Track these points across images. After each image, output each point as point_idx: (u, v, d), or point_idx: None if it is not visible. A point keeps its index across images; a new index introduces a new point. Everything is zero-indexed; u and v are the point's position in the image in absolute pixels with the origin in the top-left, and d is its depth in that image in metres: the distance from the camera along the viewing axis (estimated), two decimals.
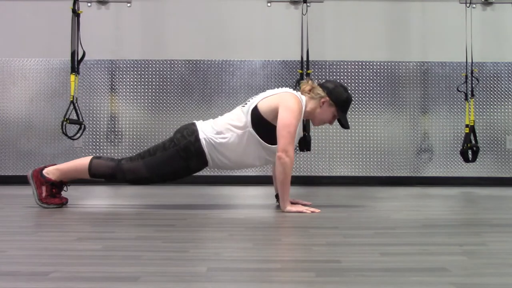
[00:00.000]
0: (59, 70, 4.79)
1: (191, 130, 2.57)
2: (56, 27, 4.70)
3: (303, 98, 2.62)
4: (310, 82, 2.69)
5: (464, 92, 4.54)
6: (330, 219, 2.28)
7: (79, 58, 4.21)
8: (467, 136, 4.41)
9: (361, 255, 1.46)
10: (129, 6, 4.90)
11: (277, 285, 1.12)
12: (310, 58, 4.49)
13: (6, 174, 4.74)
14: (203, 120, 2.67)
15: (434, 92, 4.86)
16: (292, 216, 2.34)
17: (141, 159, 2.57)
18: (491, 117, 4.84)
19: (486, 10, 4.94)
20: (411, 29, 4.94)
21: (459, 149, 4.55)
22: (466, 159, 4.43)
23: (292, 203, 2.58)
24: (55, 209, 2.55)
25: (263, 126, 2.52)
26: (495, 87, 4.86)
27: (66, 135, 4.12)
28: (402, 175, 4.81)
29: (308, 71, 4.42)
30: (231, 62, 4.86)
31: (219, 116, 2.67)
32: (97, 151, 4.78)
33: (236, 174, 4.68)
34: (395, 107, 4.86)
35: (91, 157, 2.63)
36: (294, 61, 4.73)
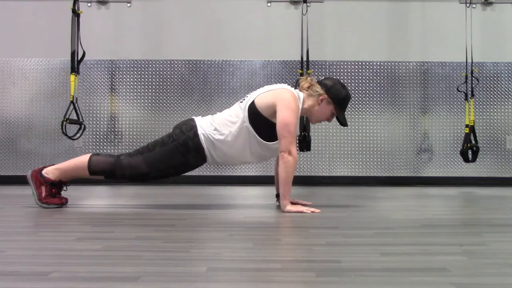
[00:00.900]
0: (59, 70, 4.79)
1: (190, 126, 2.58)
2: (56, 27, 4.70)
3: (301, 95, 2.62)
4: (309, 79, 2.70)
5: (464, 92, 4.54)
6: (330, 219, 2.28)
7: (79, 58, 4.21)
8: (467, 136, 4.41)
9: (361, 255, 1.46)
10: (129, 6, 4.90)
11: (277, 285, 1.12)
12: (310, 58, 4.49)
13: (6, 174, 4.74)
14: (202, 116, 2.68)
15: (434, 92, 4.86)
16: (292, 216, 2.33)
17: (140, 155, 2.58)
18: (491, 117, 4.84)
19: (486, 10, 4.94)
20: (411, 29, 4.94)
21: (459, 149, 4.55)
22: (466, 159, 4.43)
23: (292, 203, 2.58)
24: (55, 209, 2.55)
25: (260, 121, 2.53)
26: (495, 87, 4.86)
27: (66, 135, 4.12)
28: (402, 175, 4.81)
29: (308, 71, 4.42)
30: (231, 62, 4.86)
31: (218, 113, 2.68)
32: (97, 151, 4.78)
33: (236, 174, 4.68)
34: (395, 107, 4.86)
35: (89, 154, 2.63)
36: (294, 61, 4.72)
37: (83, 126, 4.24)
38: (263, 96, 2.57)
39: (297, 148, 4.13)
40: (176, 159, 2.56)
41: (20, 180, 4.46)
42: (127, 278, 1.16)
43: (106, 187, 4.30)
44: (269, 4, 4.93)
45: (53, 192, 2.59)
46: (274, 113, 2.51)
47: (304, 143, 4.20)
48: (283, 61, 4.84)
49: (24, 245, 1.65)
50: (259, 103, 2.54)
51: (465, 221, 2.36)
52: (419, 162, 4.83)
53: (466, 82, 4.53)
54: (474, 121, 4.46)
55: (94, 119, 4.80)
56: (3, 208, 2.79)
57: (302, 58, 4.49)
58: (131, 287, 1.09)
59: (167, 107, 4.82)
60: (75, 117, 4.18)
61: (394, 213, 2.58)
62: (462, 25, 4.58)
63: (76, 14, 4.20)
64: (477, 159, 4.46)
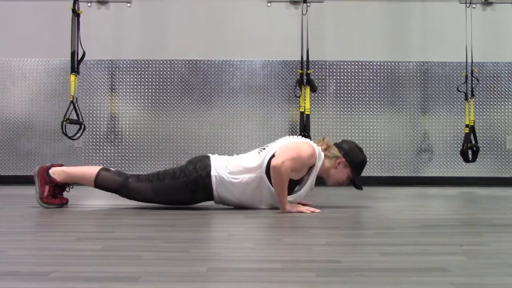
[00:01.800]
0: (59, 70, 4.79)
1: (204, 165, 2.57)
2: (56, 27, 4.70)
3: (322, 154, 2.58)
4: (325, 140, 2.68)
5: (464, 92, 4.54)
6: (330, 219, 2.28)
7: (79, 58, 4.21)
8: (467, 136, 4.41)
9: (361, 255, 1.46)
10: (129, 6, 4.90)
11: (277, 285, 1.12)
12: (310, 58, 4.49)
13: (6, 174, 4.74)
14: (218, 154, 2.67)
15: (434, 92, 4.86)
16: (292, 216, 2.33)
17: (149, 182, 2.59)
18: (491, 117, 4.84)
19: (486, 10, 4.94)
20: (411, 29, 4.94)
21: (459, 149, 4.55)
22: (466, 159, 4.43)
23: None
24: (55, 209, 2.55)
25: None
26: (495, 87, 4.86)
27: (66, 135, 4.12)
28: (402, 175, 4.81)
29: (308, 71, 4.42)
30: (231, 62, 4.86)
31: (235, 155, 2.67)
32: (97, 151, 4.78)
33: None
34: (395, 107, 4.86)
35: (99, 167, 2.64)
36: (294, 61, 4.72)
37: (83, 126, 4.24)
38: (284, 148, 2.52)
39: None
40: (183, 194, 2.57)
41: (20, 180, 4.47)
42: (127, 278, 1.16)
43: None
44: (269, 4, 4.92)
45: (55, 193, 2.60)
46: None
47: None
48: (283, 61, 4.84)
49: (24, 245, 1.65)
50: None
51: (465, 221, 2.36)
52: (419, 162, 4.83)
53: (466, 82, 4.53)
54: (474, 121, 4.46)
55: (94, 119, 4.80)
56: (3, 208, 2.79)
57: (302, 58, 4.49)
58: (131, 287, 1.09)
59: (167, 107, 4.82)
60: (75, 117, 4.18)
61: (394, 213, 2.58)
62: (462, 25, 4.58)
63: (76, 14, 4.20)
64: (477, 159, 4.46)
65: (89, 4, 4.83)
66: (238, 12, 4.92)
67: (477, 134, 4.46)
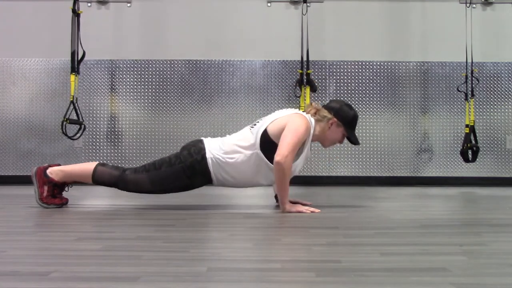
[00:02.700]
0: (59, 70, 4.79)
1: (198, 148, 2.57)
2: (56, 27, 4.70)
3: (312, 120, 2.60)
4: (313, 104, 2.69)
5: (464, 92, 4.54)
6: (330, 219, 2.28)
7: (79, 58, 4.21)
8: (467, 136, 4.41)
9: (361, 255, 1.46)
10: (129, 6, 4.90)
11: (277, 285, 1.12)
12: (310, 58, 4.49)
13: (6, 174, 4.74)
14: (211, 137, 2.67)
15: (434, 92, 4.86)
16: (292, 216, 2.33)
17: (145, 172, 2.58)
18: (491, 117, 4.84)
19: (486, 10, 4.94)
20: (411, 29, 4.94)
21: (459, 149, 4.55)
22: (466, 159, 4.43)
23: (292, 202, 2.58)
24: (55, 209, 2.55)
25: (272, 149, 2.49)
26: (495, 87, 4.86)
27: (66, 135, 4.12)
28: (402, 175, 4.81)
29: (308, 71, 4.42)
30: (231, 62, 4.86)
31: (227, 135, 2.67)
32: (97, 151, 4.78)
33: None
34: (395, 107, 4.86)
35: (96, 163, 2.64)
36: (294, 61, 4.72)
37: (83, 126, 4.24)
38: (276, 123, 2.53)
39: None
40: (181, 181, 2.57)
41: (20, 180, 4.47)
42: (127, 278, 1.16)
43: (106, 187, 4.29)
44: (269, 4, 4.93)
45: (54, 193, 2.60)
46: None
47: None
48: (283, 61, 4.84)
49: (24, 245, 1.65)
50: (272, 131, 2.52)
51: (465, 221, 2.36)
52: (419, 162, 4.83)
53: (466, 82, 4.53)
54: (474, 121, 4.46)
55: (94, 119, 4.80)
56: (3, 208, 2.79)
57: (302, 58, 4.49)
58: (131, 287, 1.09)
59: (167, 107, 4.82)
60: (75, 117, 4.18)
61: (394, 213, 2.58)
62: (462, 25, 4.58)
63: (76, 14, 4.20)
64: (477, 159, 4.46)
65: (89, 4, 4.84)
66: (238, 12, 4.92)
67: (477, 134, 4.46)
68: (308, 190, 4.01)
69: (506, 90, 4.87)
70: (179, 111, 4.81)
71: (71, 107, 4.15)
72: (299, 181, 4.48)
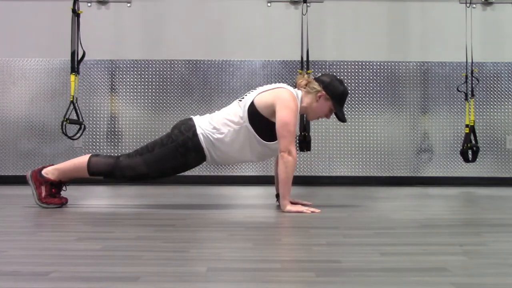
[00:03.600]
0: (59, 70, 4.79)
1: (188, 126, 2.59)
2: (56, 27, 4.70)
3: (299, 93, 2.63)
4: (305, 76, 2.71)
5: (464, 92, 4.54)
6: (330, 219, 2.28)
7: (79, 58, 4.21)
8: (467, 136, 4.41)
9: (361, 255, 1.46)
10: (129, 6, 4.90)
11: (277, 285, 1.12)
12: (310, 58, 4.49)
13: (6, 174, 4.74)
14: (200, 115, 2.69)
15: (434, 92, 4.86)
16: (292, 216, 2.33)
17: (139, 156, 2.58)
18: (491, 117, 4.84)
19: (486, 10, 4.94)
20: (411, 29, 4.94)
21: (459, 149, 4.55)
22: (466, 159, 4.43)
23: (292, 203, 2.58)
24: (55, 209, 2.55)
25: (260, 121, 2.53)
26: (495, 87, 4.86)
27: (66, 135, 4.12)
28: (402, 175, 4.81)
29: (308, 71, 4.42)
30: (231, 62, 4.86)
31: (216, 111, 2.68)
32: (97, 151, 4.78)
33: (236, 174, 4.68)
34: (395, 107, 4.86)
35: (89, 155, 2.63)
36: (294, 61, 4.72)
37: (83, 126, 4.24)
38: (262, 95, 2.57)
39: (297, 148, 4.13)
40: (175, 160, 2.57)
41: (20, 180, 4.45)
42: (127, 278, 1.16)
43: (106, 187, 4.30)
44: (269, 4, 4.92)
45: (53, 192, 2.59)
46: (273, 112, 2.52)
47: (304, 143, 4.20)
48: (283, 61, 4.84)
49: (24, 245, 1.65)
50: (258, 103, 2.55)
51: (465, 221, 2.36)
52: (419, 162, 4.83)
53: (466, 82, 4.53)
54: (474, 121, 4.46)
55: (94, 119, 4.80)
56: (3, 208, 2.79)
57: (302, 58, 4.49)
58: (131, 287, 1.09)
59: (167, 107, 4.82)
60: (75, 117, 4.18)
61: (394, 213, 2.58)
62: (462, 25, 4.58)
63: (76, 14, 4.20)
64: (477, 159, 4.45)
65: (89, 4, 4.84)
66: (238, 12, 4.92)
67: (477, 134, 4.45)
68: (308, 190, 4.01)
69: (506, 90, 4.87)
70: (179, 111, 4.81)
71: (71, 107, 4.15)
72: (299, 181, 4.48)
